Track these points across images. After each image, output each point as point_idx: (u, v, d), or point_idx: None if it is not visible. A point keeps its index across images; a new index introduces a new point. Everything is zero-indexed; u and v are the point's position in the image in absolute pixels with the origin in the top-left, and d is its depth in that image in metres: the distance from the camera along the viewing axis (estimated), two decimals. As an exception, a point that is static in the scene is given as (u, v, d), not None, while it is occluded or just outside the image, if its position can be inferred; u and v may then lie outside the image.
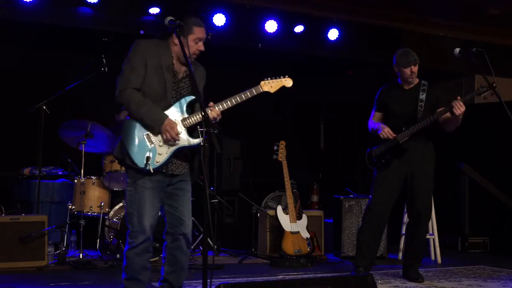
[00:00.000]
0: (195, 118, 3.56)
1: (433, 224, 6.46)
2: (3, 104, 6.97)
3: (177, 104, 3.57)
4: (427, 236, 6.50)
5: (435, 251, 6.44)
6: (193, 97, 3.61)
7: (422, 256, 5.33)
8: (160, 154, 3.50)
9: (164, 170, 3.55)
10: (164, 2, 6.40)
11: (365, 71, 8.28)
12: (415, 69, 5.11)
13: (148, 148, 3.48)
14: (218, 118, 3.57)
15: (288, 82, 3.85)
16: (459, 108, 4.76)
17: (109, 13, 6.46)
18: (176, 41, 3.53)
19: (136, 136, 3.49)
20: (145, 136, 3.50)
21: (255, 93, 3.70)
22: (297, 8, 7.17)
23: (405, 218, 6.44)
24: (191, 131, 3.60)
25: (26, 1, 6.03)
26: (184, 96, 3.61)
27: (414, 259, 5.24)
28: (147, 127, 3.51)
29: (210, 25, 6.77)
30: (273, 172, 6.41)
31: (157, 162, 3.49)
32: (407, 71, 5.09)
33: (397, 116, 5.15)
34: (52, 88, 6.02)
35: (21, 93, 7.00)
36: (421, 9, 7.46)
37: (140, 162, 3.46)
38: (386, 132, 5.06)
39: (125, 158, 3.50)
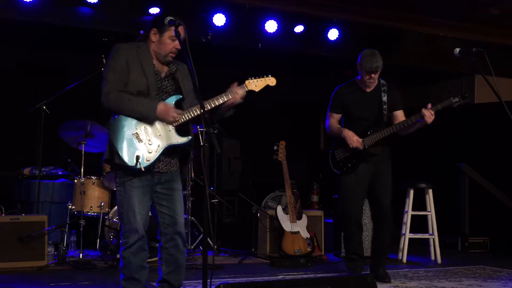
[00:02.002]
0: (183, 116, 3.58)
1: (433, 224, 6.46)
2: (3, 104, 6.97)
3: (165, 101, 3.60)
4: (427, 236, 6.53)
5: (435, 251, 6.44)
6: (180, 96, 3.64)
7: (388, 254, 5.32)
8: (150, 153, 3.50)
9: (151, 168, 3.54)
10: (164, 2, 6.40)
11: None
12: (375, 76, 4.99)
13: (138, 147, 3.48)
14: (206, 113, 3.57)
15: (272, 81, 3.85)
16: (430, 117, 4.77)
17: (109, 13, 6.46)
18: (153, 38, 3.60)
19: (124, 136, 3.48)
20: (133, 136, 3.49)
21: None
22: (297, 8, 7.16)
23: (405, 218, 6.45)
24: (180, 129, 3.62)
25: (26, 1, 6.02)
26: (169, 95, 3.63)
27: (382, 257, 5.20)
28: (142, 119, 3.50)
29: (210, 25, 6.77)
30: (273, 172, 6.41)
31: (148, 161, 3.49)
32: (367, 76, 4.97)
33: (360, 120, 5.06)
34: (52, 88, 6.02)
35: (21, 93, 7.00)
36: (421, 9, 7.46)
37: (131, 161, 3.45)
38: (355, 141, 4.96)
39: (115, 158, 3.48)
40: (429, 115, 4.78)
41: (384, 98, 5.03)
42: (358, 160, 5.05)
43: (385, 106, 5.02)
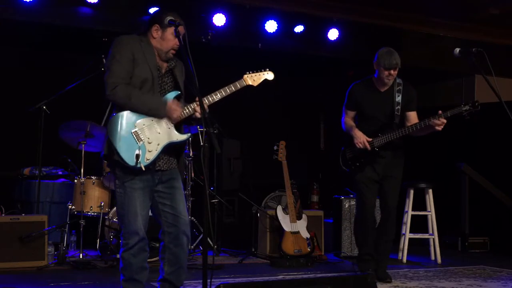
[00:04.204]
0: (185, 111, 3.57)
1: (433, 224, 6.47)
2: (3, 104, 6.97)
3: (165, 97, 3.59)
4: (427, 236, 6.53)
5: (435, 251, 6.44)
6: (178, 92, 3.64)
7: (389, 254, 5.32)
8: (150, 151, 3.49)
9: (151, 167, 3.53)
10: (164, 2, 6.40)
11: (365, 71, 8.27)
12: (394, 73, 4.93)
13: (137, 146, 3.46)
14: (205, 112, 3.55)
15: (269, 75, 3.85)
16: (440, 125, 4.74)
17: (109, 13, 6.46)
18: (155, 34, 3.58)
19: (123, 135, 3.46)
20: (133, 134, 3.47)
21: (239, 87, 3.72)
22: (297, 8, 7.16)
23: (405, 218, 6.46)
24: (178, 126, 3.61)
25: (26, 1, 6.03)
26: (168, 91, 3.63)
27: (384, 257, 5.19)
28: (149, 115, 3.50)
29: (210, 25, 6.77)
30: (273, 172, 6.41)
31: (148, 159, 3.48)
32: (386, 73, 4.91)
33: (372, 120, 5.04)
34: (52, 88, 6.02)
35: (21, 93, 7.00)
36: (421, 9, 7.46)
37: (130, 160, 3.44)
38: (363, 142, 4.94)
39: (114, 155, 3.46)
40: (439, 124, 4.74)
41: (398, 98, 4.98)
42: (366, 160, 5.04)
43: (398, 107, 4.97)
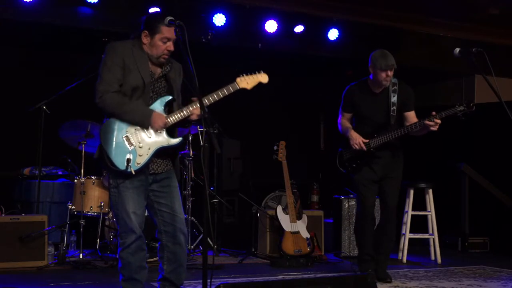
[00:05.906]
0: (174, 117, 3.57)
1: (433, 224, 6.47)
2: (3, 104, 6.97)
3: (154, 104, 3.58)
4: (427, 236, 6.53)
5: (435, 251, 6.44)
6: (170, 97, 3.63)
7: (390, 254, 5.31)
8: (140, 156, 3.50)
9: (144, 170, 3.54)
10: (164, 2, 6.41)
11: (365, 71, 8.27)
12: (391, 73, 4.92)
13: (128, 150, 3.47)
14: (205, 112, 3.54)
15: (263, 77, 3.75)
16: (435, 126, 4.73)
17: (109, 13, 6.46)
18: (145, 40, 3.57)
19: (115, 139, 3.47)
20: (124, 138, 3.48)
21: (232, 90, 3.66)
22: (297, 8, 7.17)
23: (405, 218, 6.46)
24: (171, 130, 3.61)
25: (26, 1, 6.03)
26: (161, 95, 3.62)
27: (384, 257, 5.18)
28: (135, 123, 3.50)
29: (210, 25, 6.77)
30: (273, 172, 6.41)
31: (138, 164, 3.49)
32: (383, 74, 4.89)
33: (368, 121, 5.04)
34: (52, 88, 6.02)
35: (21, 93, 7.00)
36: (421, 9, 7.46)
37: (121, 165, 3.45)
38: (359, 143, 4.94)
39: (105, 159, 3.48)
40: (433, 125, 4.73)
41: (393, 99, 4.98)
42: (363, 162, 5.04)
43: (393, 108, 4.97)
